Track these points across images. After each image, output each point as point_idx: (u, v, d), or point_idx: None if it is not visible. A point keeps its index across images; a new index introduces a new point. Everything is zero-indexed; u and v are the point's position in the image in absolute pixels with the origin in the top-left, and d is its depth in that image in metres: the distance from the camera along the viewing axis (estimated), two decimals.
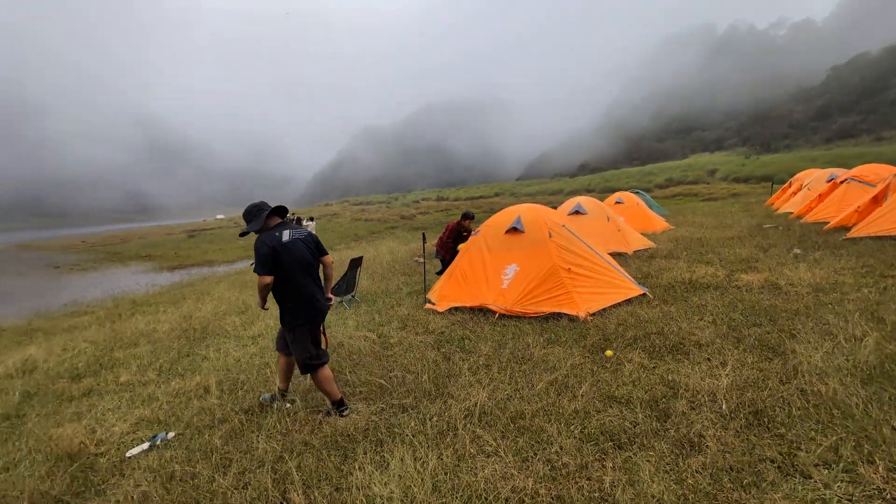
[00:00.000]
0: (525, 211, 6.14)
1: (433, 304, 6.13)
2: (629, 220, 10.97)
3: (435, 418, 3.07)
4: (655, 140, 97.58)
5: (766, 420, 2.66)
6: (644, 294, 5.63)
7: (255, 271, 3.20)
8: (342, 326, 5.67)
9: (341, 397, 3.39)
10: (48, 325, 8.63)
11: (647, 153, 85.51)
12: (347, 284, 7.16)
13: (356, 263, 7.37)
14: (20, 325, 8.89)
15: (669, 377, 3.33)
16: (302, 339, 3.27)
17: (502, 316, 5.30)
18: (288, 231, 3.29)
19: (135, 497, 2.62)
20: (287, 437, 3.07)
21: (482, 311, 5.54)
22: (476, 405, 3.16)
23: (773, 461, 2.30)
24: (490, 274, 5.79)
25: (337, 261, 12.50)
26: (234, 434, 3.23)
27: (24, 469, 3.09)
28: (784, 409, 2.72)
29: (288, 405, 3.56)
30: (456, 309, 5.77)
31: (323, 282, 3.50)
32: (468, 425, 2.94)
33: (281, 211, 3.40)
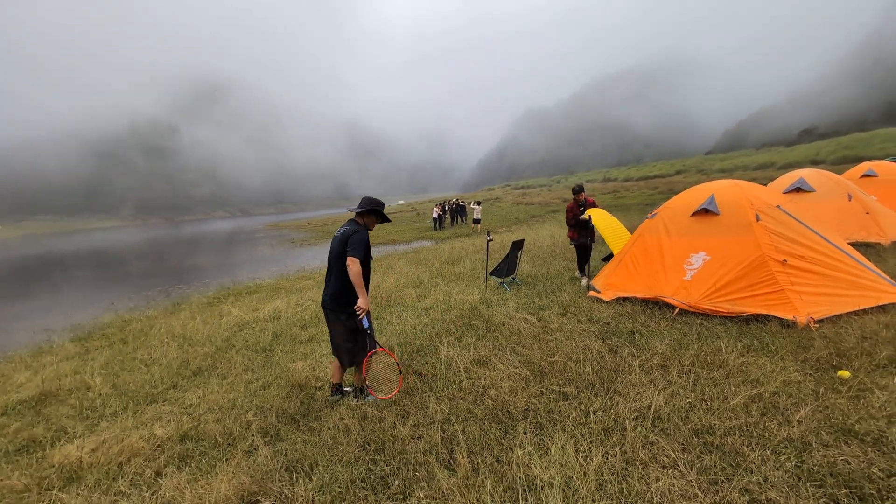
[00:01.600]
0: (721, 189, 5.11)
1: (598, 291, 5.72)
2: (884, 199, 8.08)
3: (599, 413, 2.88)
4: None
5: None
6: None
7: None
8: (502, 307, 5.80)
9: (336, 384, 3.67)
10: (288, 285, 11.31)
11: None
12: (508, 266, 7.27)
13: (518, 246, 7.40)
14: (271, 284, 11.90)
15: None
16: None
17: (684, 312, 4.59)
18: (342, 227, 3.60)
19: (340, 427, 3.23)
20: (454, 402, 3.32)
21: (657, 305, 4.91)
22: (649, 408, 2.83)
23: None
24: (669, 263, 5.06)
25: (498, 243, 12.87)
26: (410, 391, 3.66)
27: (273, 390, 4.14)
28: None
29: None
30: (624, 299, 5.27)
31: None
32: (639, 428, 2.66)
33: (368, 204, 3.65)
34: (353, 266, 3.28)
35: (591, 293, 5.79)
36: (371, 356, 3.53)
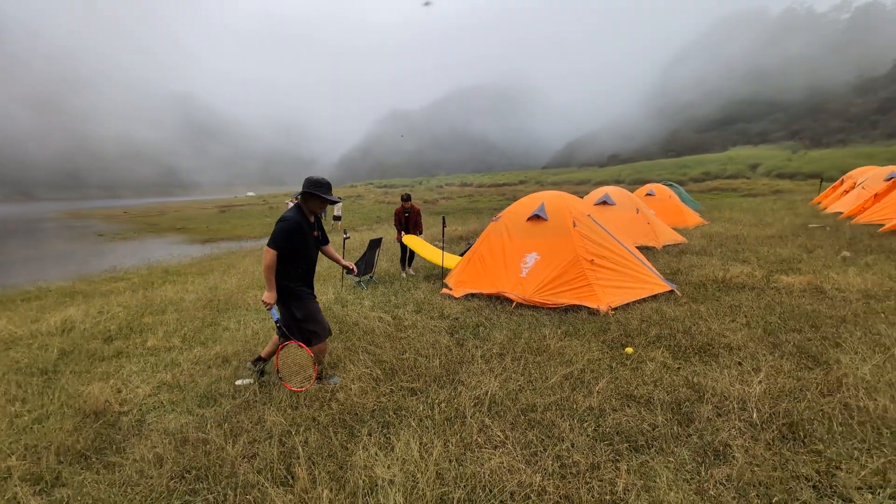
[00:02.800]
0: (549, 198, 5.93)
1: (450, 289, 6.05)
2: (660, 213, 10.51)
3: (444, 404, 3.01)
4: (693, 131, 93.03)
5: (802, 434, 2.46)
6: (672, 291, 5.37)
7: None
8: (358, 306, 5.68)
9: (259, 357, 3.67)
10: (89, 289, 9.07)
11: (683, 145, 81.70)
12: (366, 265, 7.17)
13: (376, 244, 7.35)
14: (65, 287, 9.39)
15: (695, 380, 3.14)
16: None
17: (519, 305, 5.17)
18: None
19: (150, 458, 2.68)
20: (296, 412, 3.08)
21: (499, 299, 5.42)
22: (486, 394, 3.08)
23: (808, 479, 2.12)
24: (509, 261, 5.64)
25: (357, 241, 12.63)
26: (247, 405, 3.27)
27: (54, 422, 3.23)
28: (824, 424, 2.51)
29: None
30: (472, 295, 5.67)
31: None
32: (477, 414, 2.86)
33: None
34: (266, 256, 3.22)
35: (444, 290, 6.08)
36: (282, 349, 3.38)
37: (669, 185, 14.77)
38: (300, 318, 3.36)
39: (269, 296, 3.25)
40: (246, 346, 4.50)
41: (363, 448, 2.55)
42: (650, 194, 12.12)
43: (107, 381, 3.91)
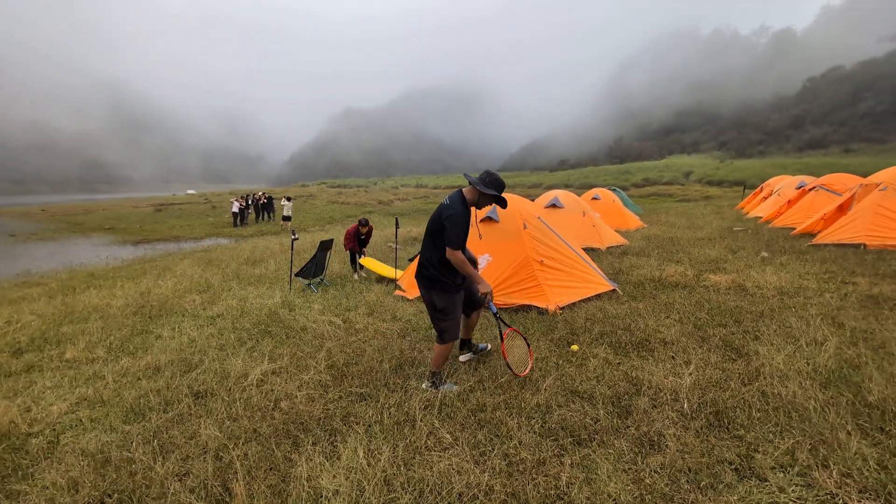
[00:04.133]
0: None
1: (403, 290, 5.99)
2: (605, 216, 11.05)
3: (393, 409, 2.95)
4: (635, 139, 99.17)
5: (726, 421, 2.65)
6: (614, 290, 5.65)
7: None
8: (307, 310, 5.48)
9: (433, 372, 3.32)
10: None
11: (625, 152, 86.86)
12: (316, 267, 6.94)
13: (326, 246, 7.14)
14: None
15: (633, 374, 3.31)
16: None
17: None
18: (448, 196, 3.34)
19: (63, 484, 2.41)
20: (235, 424, 2.90)
21: None
22: (437, 397, 3.06)
23: (730, 463, 2.29)
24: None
25: (308, 242, 12.21)
26: (181, 419, 3.04)
27: None
28: (745, 411, 2.73)
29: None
30: None
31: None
32: (427, 417, 2.84)
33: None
34: (454, 259, 3.08)
35: (398, 292, 6.01)
36: (506, 337, 3.35)
37: (613, 190, 15.61)
38: (439, 309, 3.22)
39: (483, 286, 3.21)
40: (181, 354, 4.19)
41: (307, 459, 2.44)
42: (596, 198, 12.72)
43: (13, 399, 3.50)
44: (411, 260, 7.63)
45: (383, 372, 3.55)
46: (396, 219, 7.04)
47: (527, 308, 4.97)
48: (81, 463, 2.59)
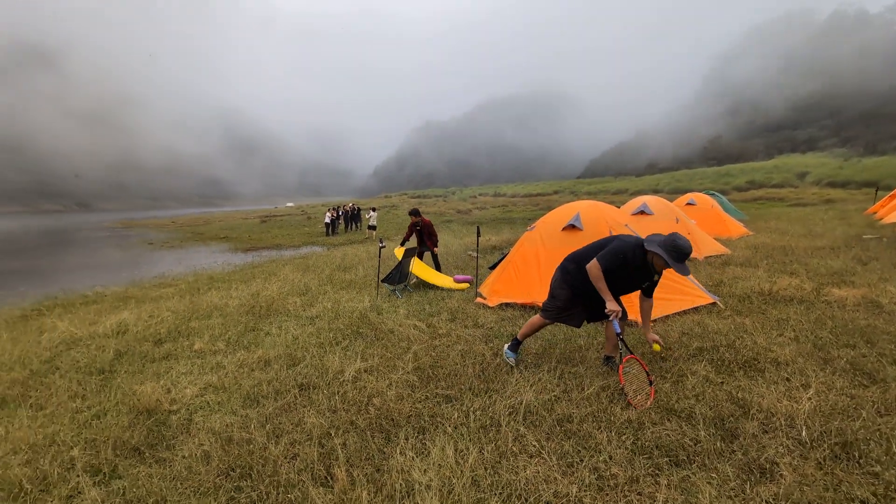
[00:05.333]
0: (585, 208, 5.87)
1: (484, 298, 6.07)
2: (702, 223, 10.13)
3: (479, 412, 3.02)
4: (735, 138, 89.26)
5: (856, 454, 2.31)
6: (714, 303, 5.17)
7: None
8: (394, 314, 5.78)
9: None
10: (140, 294, 9.67)
11: (723, 153, 78.58)
12: (401, 273, 7.30)
13: (410, 253, 7.48)
14: (118, 292, 10.05)
15: (739, 395, 3.01)
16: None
17: None
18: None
19: (198, 455, 2.83)
20: (335, 415, 3.18)
21: (534, 309, 5.39)
22: (521, 403, 3.07)
23: (863, 502, 2.00)
24: (543, 271, 5.60)
25: (392, 250, 12.84)
26: (289, 407, 3.40)
27: (111, 418, 3.47)
28: (881, 445, 2.35)
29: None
30: (507, 305, 5.67)
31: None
32: (512, 423, 2.86)
33: None
34: (592, 271, 3.33)
35: (479, 299, 6.11)
36: (625, 362, 3.28)
37: (711, 195, 14.23)
38: (552, 293, 3.72)
39: (611, 305, 3.28)
40: (286, 350, 4.68)
41: (400, 452, 2.60)
42: (691, 203, 11.70)
43: (157, 381, 4.15)
44: (492, 268, 7.70)
45: (467, 376, 3.64)
46: (478, 227, 7.19)
47: None
48: (210, 439, 3.01)
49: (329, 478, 2.48)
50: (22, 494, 2.52)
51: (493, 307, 5.71)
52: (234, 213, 63.63)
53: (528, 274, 5.77)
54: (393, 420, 3.05)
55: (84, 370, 4.53)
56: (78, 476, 2.63)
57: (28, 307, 8.49)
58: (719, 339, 4.04)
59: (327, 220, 24.78)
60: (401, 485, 2.33)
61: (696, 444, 2.52)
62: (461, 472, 2.37)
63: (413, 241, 9.07)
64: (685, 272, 3.17)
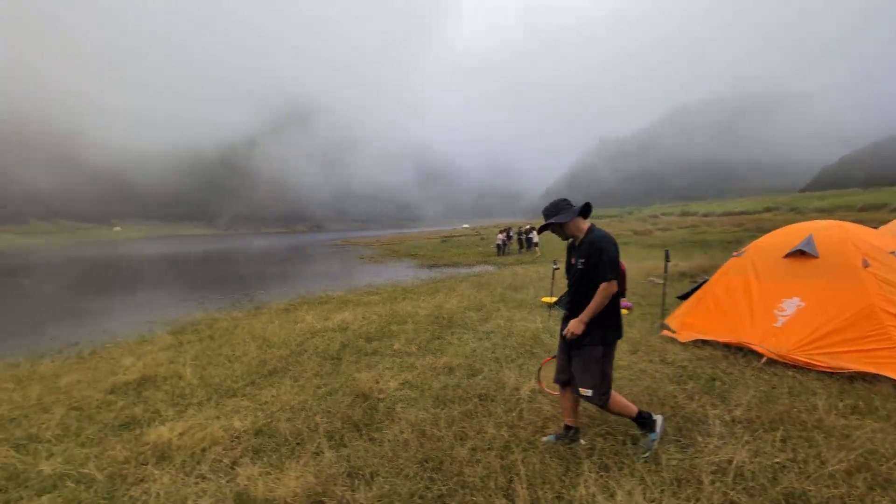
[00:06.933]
0: (821, 229, 4.65)
1: (672, 331, 5.38)
2: None
3: (673, 461, 2.69)
4: None
5: None
6: None
7: (611, 277, 2.76)
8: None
9: (640, 410, 2.96)
10: (355, 299, 11.88)
11: None
12: None
13: None
14: (341, 296, 12.58)
15: None
16: (609, 360, 2.89)
17: (772, 362, 4.17)
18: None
19: (400, 441, 3.32)
20: (512, 431, 3.29)
21: (741, 351, 4.50)
22: (731, 463, 2.60)
23: None
24: (757, 306, 4.65)
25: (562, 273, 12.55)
26: (470, 414, 3.67)
27: (339, 397, 4.36)
28: None
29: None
30: (704, 342, 4.89)
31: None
32: (717, 483, 2.45)
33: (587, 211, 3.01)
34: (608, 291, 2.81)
35: (665, 332, 5.46)
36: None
37: None
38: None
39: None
40: (466, 360, 5.07)
41: (583, 484, 2.52)
42: None
43: (369, 371, 5.03)
44: (682, 298, 6.77)
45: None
46: (666, 251, 6.42)
47: (871, 377, 3.60)
48: (408, 430, 3.48)
49: (511, 492, 2.58)
50: (285, 444, 3.40)
51: (683, 343, 5.01)
52: (420, 233, 72.23)
53: (733, 308, 4.87)
54: (570, 449, 2.97)
55: (322, 355, 5.82)
56: (319, 438, 3.40)
57: (287, 303, 11.40)
58: None
59: (499, 241, 25.98)
60: None
61: None
62: None
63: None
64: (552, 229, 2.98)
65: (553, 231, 3.02)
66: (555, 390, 3.40)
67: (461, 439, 3.23)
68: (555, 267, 7.38)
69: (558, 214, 2.94)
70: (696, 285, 6.46)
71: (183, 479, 2.96)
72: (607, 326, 2.84)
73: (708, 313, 5.16)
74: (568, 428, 3.10)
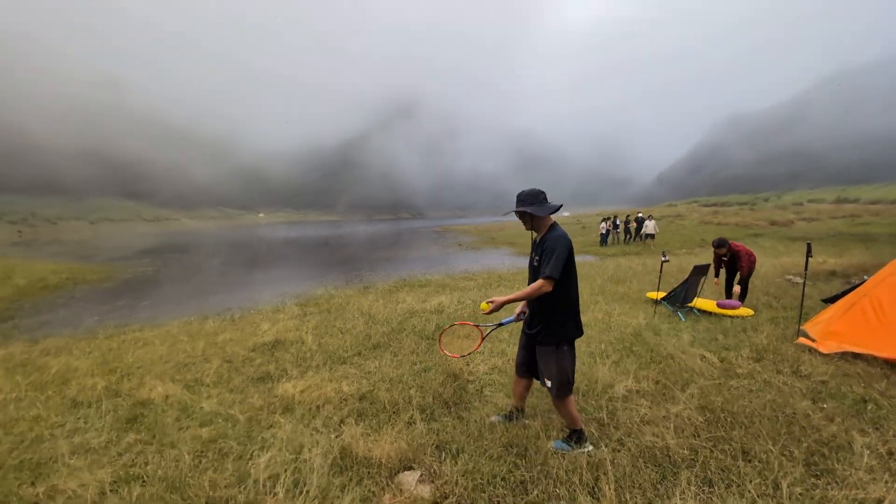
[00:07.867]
0: None
1: (812, 340, 4.56)
2: None
3: (798, 489, 2.34)
4: None
5: None
6: None
7: (549, 274, 2.72)
8: (674, 338, 5.16)
9: (582, 427, 3.00)
10: (451, 283, 12.28)
11: None
12: (687, 293, 6.39)
13: (700, 271, 6.45)
14: (438, 280, 13.11)
15: None
16: (571, 357, 2.97)
17: None
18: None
19: (486, 423, 3.41)
20: (603, 429, 3.15)
21: None
22: (880, 503, 2.17)
23: None
24: None
25: (675, 266, 11.35)
26: (550, 407, 3.59)
27: (432, 375, 4.60)
28: None
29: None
30: (854, 355, 4.07)
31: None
32: None
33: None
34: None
35: (802, 339, 4.66)
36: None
37: None
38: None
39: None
40: None
41: (680, 495, 2.33)
42: None
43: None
44: (829, 301, 5.69)
45: (780, 437, 2.86)
46: (808, 245, 5.37)
47: None
48: (494, 413, 3.56)
49: (597, 490, 2.49)
50: (384, 411, 3.72)
51: (825, 354, 4.22)
52: (519, 222, 71.01)
53: None
54: (669, 456, 2.75)
55: (419, 334, 6.18)
56: (413, 410, 3.65)
57: (391, 284, 12.25)
58: None
59: (603, 231, 24.33)
60: None
61: None
62: None
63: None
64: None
65: (521, 218, 3.04)
66: (454, 353, 4.05)
67: (546, 431, 3.19)
68: (664, 259, 6.73)
69: (535, 205, 2.94)
70: (849, 287, 5.35)
71: (301, 429, 3.44)
72: (562, 323, 2.91)
73: (864, 321, 4.26)
74: (517, 409, 3.40)
